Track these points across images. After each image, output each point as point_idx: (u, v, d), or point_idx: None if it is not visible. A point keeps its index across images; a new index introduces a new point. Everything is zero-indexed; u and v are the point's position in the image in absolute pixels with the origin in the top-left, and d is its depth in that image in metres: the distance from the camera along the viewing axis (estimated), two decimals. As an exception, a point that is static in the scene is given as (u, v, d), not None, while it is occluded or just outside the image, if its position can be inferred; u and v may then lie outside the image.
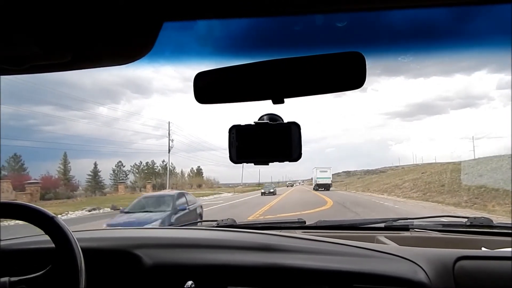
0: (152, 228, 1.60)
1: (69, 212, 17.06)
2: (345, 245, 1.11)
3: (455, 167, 23.12)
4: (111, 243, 1.22)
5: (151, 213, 7.76)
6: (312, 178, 34.34)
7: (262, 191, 30.92)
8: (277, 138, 0.82)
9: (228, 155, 0.84)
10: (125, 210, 8.30)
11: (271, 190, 30.33)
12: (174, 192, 9.38)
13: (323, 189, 31.26)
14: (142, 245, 1.18)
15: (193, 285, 1.06)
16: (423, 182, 23.38)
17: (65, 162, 40.44)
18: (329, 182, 32.51)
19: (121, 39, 0.65)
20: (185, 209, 8.34)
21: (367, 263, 1.02)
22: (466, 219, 1.58)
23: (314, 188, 32.96)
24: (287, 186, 69.71)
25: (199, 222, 1.79)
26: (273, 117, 0.84)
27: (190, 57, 0.92)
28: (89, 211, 17.80)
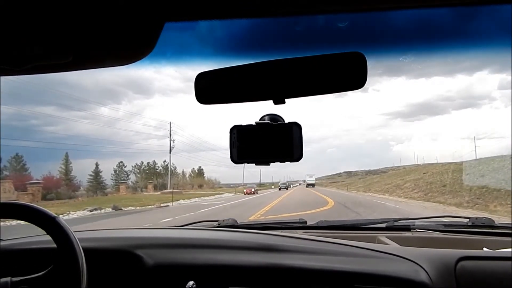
0: (153, 228, 1.60)
1: (71, 212, 17.06)
2: (346, 245, 1.11)
3: (457, 168, 23.05)
4: (113, 243, 1.22)
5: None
6: (305, 180, 58.04)
7: None
8: (278, 138, 0.82)
9: (229, 155, 0.84)
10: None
11: None
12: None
13: (311, 186, 49.33)
14: (143, 245, 1.19)
15: (194, 285, 1.06)
16: (425, 183, 23.31)
17: (67, 162, 40.49)
18: (314, 182, 52.89)
19: (122, 40, 0.65)
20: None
21: (368, 263, 1.02)
22: (468, 220, 1.58)
23: (306, 186, 51.82)
24: (280, 189, 43.18)
25: (199, 222, 1.79)
26: (274, 118, 0.84)
27: (191, 57, 0.93)
28: (91, 211, 17.78)
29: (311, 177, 54.36)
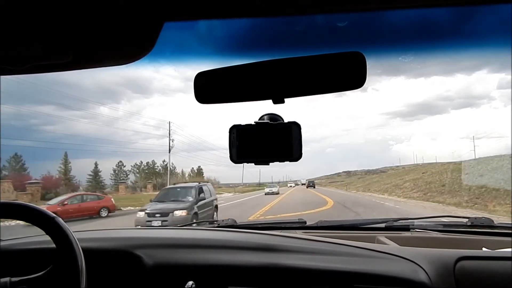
0: (153, 228, 1.60)
1: (70, 212, 17.01)
2: (345, 245, 1.11)
3: (456, 167, 23.11)
4: (112, 243, 1.22)
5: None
6: (301, 181, 74.66)
7: None
8: (277, 138, 0.82)
9: (228, 155, 0.84)
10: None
11: None
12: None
13: (304, 185, 63.22)
14: (142, 245, 1.18)
15: (193, 285, 1.06)
16: (424, 182, 23.35)
17: (66, 162, 40.44)
18: (306, 183, 69.54)
19: (122, 39, 0.65)
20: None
21: (367, 263, 1.02)
22: (467, 219, 1.58)
23: (301, 185, 67.40)
24: (266, 194, 29.13)
25: (199, 222, 1.79)
26: (274, 117, 0.84)
27: (190, 57, 0.92)
28: (90, 211, 17.74)
29: (303, 179, 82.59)
